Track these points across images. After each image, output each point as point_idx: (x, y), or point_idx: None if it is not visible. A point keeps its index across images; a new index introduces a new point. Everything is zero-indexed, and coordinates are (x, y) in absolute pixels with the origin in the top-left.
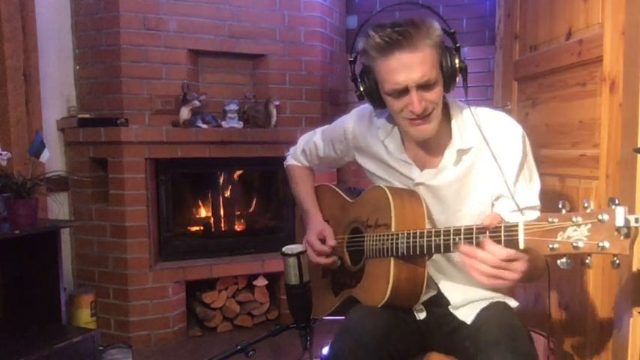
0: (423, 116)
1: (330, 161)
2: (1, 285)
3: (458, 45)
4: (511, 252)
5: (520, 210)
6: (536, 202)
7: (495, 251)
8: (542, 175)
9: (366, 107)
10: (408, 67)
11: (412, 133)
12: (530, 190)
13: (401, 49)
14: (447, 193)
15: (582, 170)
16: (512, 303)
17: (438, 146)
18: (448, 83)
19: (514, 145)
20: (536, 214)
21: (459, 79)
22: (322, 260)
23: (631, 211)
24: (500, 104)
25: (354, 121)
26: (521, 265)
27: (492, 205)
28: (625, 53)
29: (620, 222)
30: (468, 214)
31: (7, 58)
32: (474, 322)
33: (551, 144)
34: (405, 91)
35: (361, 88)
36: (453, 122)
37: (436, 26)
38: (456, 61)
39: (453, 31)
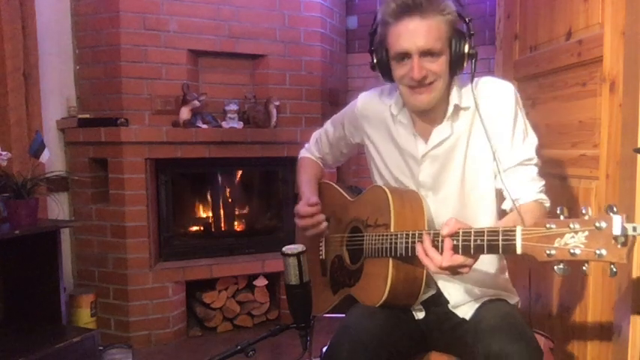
0: (423, 85)
1: (341, 147)
2: (1, 285)
3: (472, 32)
4: (458, 260)
5: (505, 170)
6: (531, 155)
7: (446, 258)
8: (542, 175)
9: (372, 90)
10: (414, 33)
11: (411, 102)
12: (525, 145)
13: (411, 15)
14: (445, 159)
15: (582, 170)
16: (512, 299)
17: (441, 117)
18: (454, 65)
19: (506, 104)
20: (534, 170)
21: (466, 64)
22: (305, 222)
23: (630, 214)
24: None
25: (363, 99)
26: (466, 270)
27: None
28: (625, 53)
29: (617, 231)
30: (473, 212)
31: (7, 58)
32: (473, 316)
33: (551, 144)
34: (408, 57)
35: (374, 60)
36: (453, 90)
37: (450, 6)
38: (466, 46)
39: (470, 19)
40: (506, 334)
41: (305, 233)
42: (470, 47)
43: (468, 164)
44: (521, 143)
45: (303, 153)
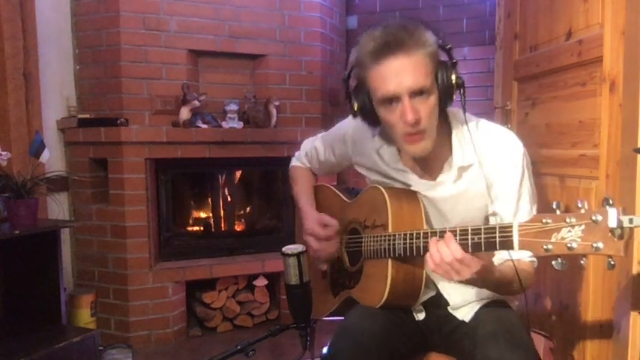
0: (418, 132)
1: (330, 166)
2: (1, 285)
3: (455, 60)
4: (467, 256)
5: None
6: None
7: (453, 250)
8: (542, 175)
9: None
10: (400, 73)
11: (408, 150)
12: (532, 212)
13: (394, 54)
14: (442, 206)
15: (582, 170)
16: (511, 302)
17: (436, 159)
18: (445, 99)
19: (514, 162)
20: None
21: (456, 95)
22: (324, 246)
23: (630, 211)
24: (500, 104)
25: (353, 127)
26: (469, 272)
27: (487, 219)
28: (625, 53)
29: (613, 223)
30: (461, 221)
31: (7, 58)
32: (473, 319)
33: (551, 144)
34: (397, 100)
35: (355, 106)
36: (454, 136)
37: (430, 38)
38: (453, 76)
39: (449, 46)
40: (505, 342)
41: (316, 257)
42: (457, 77)
43: (460, 208)
44: (527, 212)
45: (295, 162)
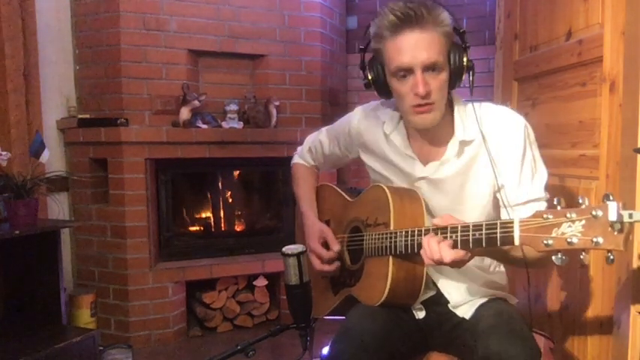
0: (427, 103)
1: (335, 159)
2: (1, 285)
3: (468, 44)
4: (458, 256)
5: (513, 206)
6: (541, 194)
7: (444, 254)
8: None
9: (370, 104)
10: (416, 47)
11: (415, 121)
12: (534, 182)
13: (411, 28)
14: (449, 187)
15: (582, 170)
16: (512, 300)
17: (441, 138)
18: (454, 79)
19: (515, 138)
20: (543, 205)
21: (465, 77)
22: (326, 268)
23: (630, 209)
24: (500, 104)
25: (358, 117)
26: (462, 264)
27: (494, 197)
28: (625, 53)
29: (613, 217)
30: (471, 206)
31: (7, 58)
32: (473, 316)
33: (551, 144)
34: (410, 72)
35: (369, 77)
36: (456, 115)
37: (448, 17)
38: (464, 58)
39: (463, 30)
40: (506, 335)
41: (319, 273)
42: (468, 59)
43: (467, 188)
44: (529, 181)
45: (297, 160)
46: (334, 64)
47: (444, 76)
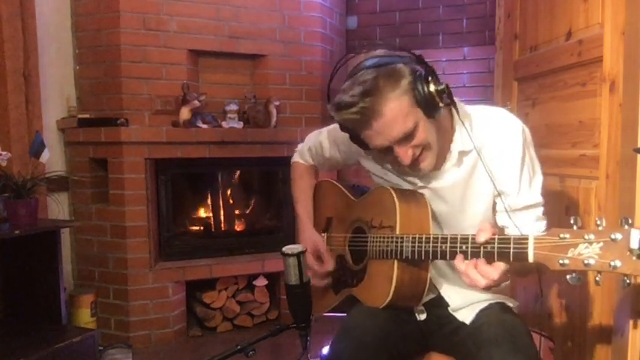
0: (414, 161)
1: (334, 163)
2: (1, 285)
3: (430, 69)
4: (499, 270)
5: (511, 211)
6: (538, 199)
7: (488, 273)
8: (543, 176)
9: None
10: (381, 131)
11: (414, 171)
12: (532, 187)
13: (368, 123)
14: (450, 196)
15: (582, 170)
16: (512, 303)
17: (441, 149)
18: (432, 112)
19: (513, 145)
20: (539, 210)
21: (442, 104)
22: (318, 283)
23: (630, 214)
24: (500, 104)
25: None
26: (500, 282)
27: (494, 202)
28: (625, 53)
29: (635, 245)
30: (472, 214)
31: (7, 58)
32: (474, 321)
33: (551, 144)
34: (389, 149)
35: (351, 138)
36: (456, 125)
37: (400, 69)
38: (432, 87)
39: (418, 54)
40: (508, 346)
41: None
42: (435, 84)
43: (468, 197)
44: (527, 187)
45: (297, 158)
46: (334, 64)
47: (421, 129)
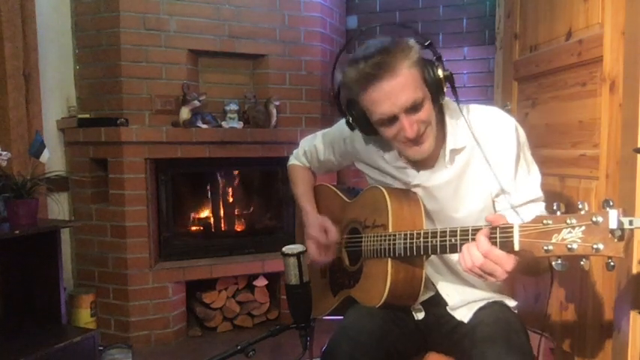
0: (418, 137)
1: (330, 165)
2: (1, 285)
3: (439, 55)
4: (496, 253)
5: (514, 208)
6: (538, 194)
7: (501, 259)
8: (542, 175)
9: None
10: (391, 95)
11: (409, 155)
12: (529, 183)
13: (380, 79)
14: (442, 194)
15: (582, 170)
16: (511, 303)
17: (434, 159)
18: (436, 96)
19: (507, 141)
20: (542, 205)
21: (446, 88)
22: (322, 257)
23: (630, 211)
24: (500, 104)
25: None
26: (501, 271)
27: (493, 202)
28: (625, 53)
29: (613, 224)
30: (466, 213)
31: (7, 58)
32: (471, 320)
33: (551, 144)
34: (394, 118)
35: (350, 119)
36: (447, 122)
37: (411, 44)
38: (439, 71)
39: (429, 42)
40: (502, 344)
41: (314, 262)
42: (443, 70)
43: (461, 195)
44: (524, 182)
45: (293, 161)
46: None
47: (427, 106)
